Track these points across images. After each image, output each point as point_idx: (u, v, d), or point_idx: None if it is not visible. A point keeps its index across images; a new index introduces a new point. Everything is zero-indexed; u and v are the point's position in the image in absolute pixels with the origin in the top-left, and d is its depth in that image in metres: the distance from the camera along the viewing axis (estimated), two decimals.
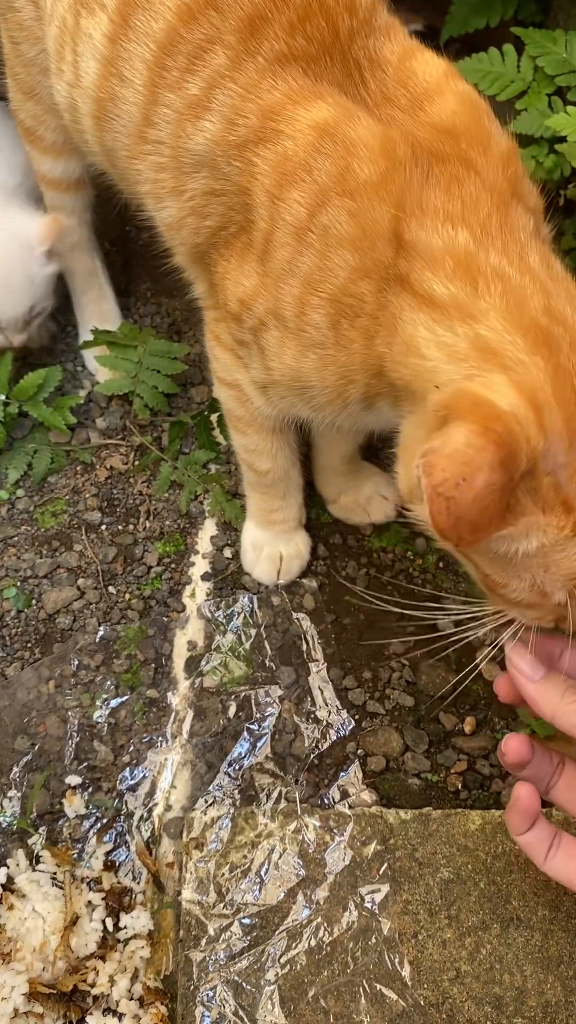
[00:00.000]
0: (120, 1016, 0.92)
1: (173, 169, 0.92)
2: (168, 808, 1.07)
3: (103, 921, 0.97)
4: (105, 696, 1.14)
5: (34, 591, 1.22)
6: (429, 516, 0.66)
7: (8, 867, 1.01)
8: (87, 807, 1.06)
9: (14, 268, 1.27)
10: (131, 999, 0.93)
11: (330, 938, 0.94)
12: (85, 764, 1.09)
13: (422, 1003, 0.90)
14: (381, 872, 0.97)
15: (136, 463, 1.34)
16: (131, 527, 1.29)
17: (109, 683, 1.15)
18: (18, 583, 1.23)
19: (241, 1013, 0.90)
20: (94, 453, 1.35)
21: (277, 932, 0.95)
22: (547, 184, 1.28)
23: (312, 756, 1.09)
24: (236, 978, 0.92)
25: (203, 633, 1.19)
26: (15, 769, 1.08)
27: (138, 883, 1.01)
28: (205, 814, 1.02)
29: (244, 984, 0.92)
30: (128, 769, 1.09)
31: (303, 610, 1.20)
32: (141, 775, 1.09)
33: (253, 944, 0.94)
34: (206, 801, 1.06)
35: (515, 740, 0.82)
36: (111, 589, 1.23)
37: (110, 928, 0.97)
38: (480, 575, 0.80)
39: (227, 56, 0.85)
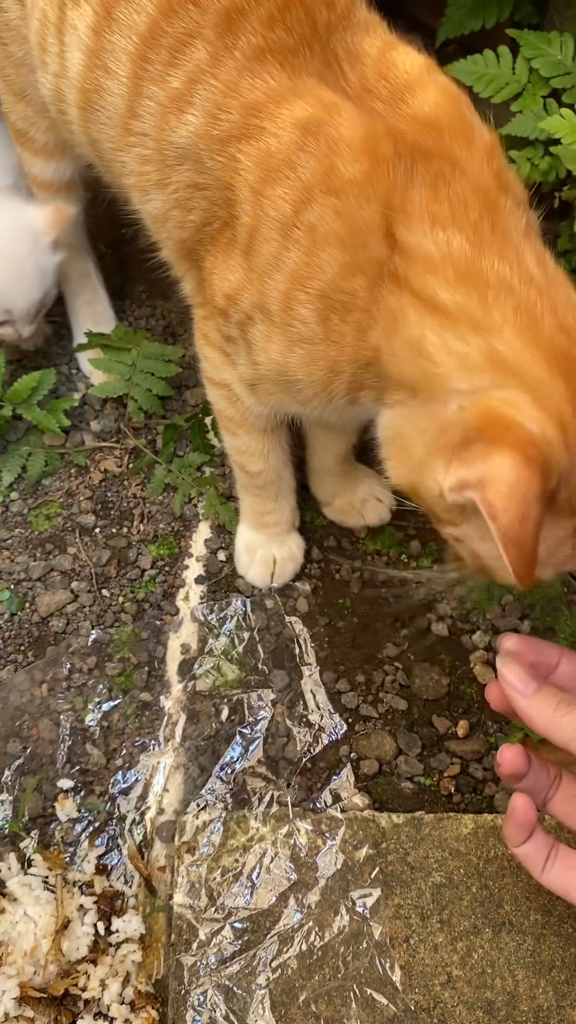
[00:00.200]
0: (111, 1020, 0.92)
1: (157, 161, 0.93)
2: (160, 812, 1.06)
3: (95, 925, 0.97)
4: (98, 699, 1.14)
5: (27, 594, 1.22)
6: (509, 566, 0.69)
7: None
8: (79, 811, 1.06)
9: (25, 258, 1.26)
10: (122, 1003, 0.93)
11: (321, 942, 0.94)
12: (77, 767, 1.09)
13: (413, 1008, 0.90)
14: (373, 876, 0.97)
15: (130, 466, 1.34)
16: (125, 530, 1.29)
17: (102, 686, 1.15)
18: (11, 586, 1.23)
19: (232, 1017, 0.90)
20: (88, 456, 1.35)
21: (268, 936, 0.94)
22: (542, 186, 1.28)
23: (304, 760, 1.09)
24: (227, 982, 0.92)
25: (196, 636, 1.19)
26: (7, 772, 1.08)
27: (130, 887, 1.01)
28: (197, 818, 1.02)
29: (235, 988, 0.92)
30: (120, 773, 1.09)
31: (296, 613, 1.20)
32: (133, 779, 1.08)
33: (244, 948, 0.94)
34: (198, 805, 1.06)
35: (511, 751, 0.81)
36: (104, 592, 1.23)
37: (102, 932, 0.97)
38: (476, 562, 0.83)
39: (207, 51, 0.86)
